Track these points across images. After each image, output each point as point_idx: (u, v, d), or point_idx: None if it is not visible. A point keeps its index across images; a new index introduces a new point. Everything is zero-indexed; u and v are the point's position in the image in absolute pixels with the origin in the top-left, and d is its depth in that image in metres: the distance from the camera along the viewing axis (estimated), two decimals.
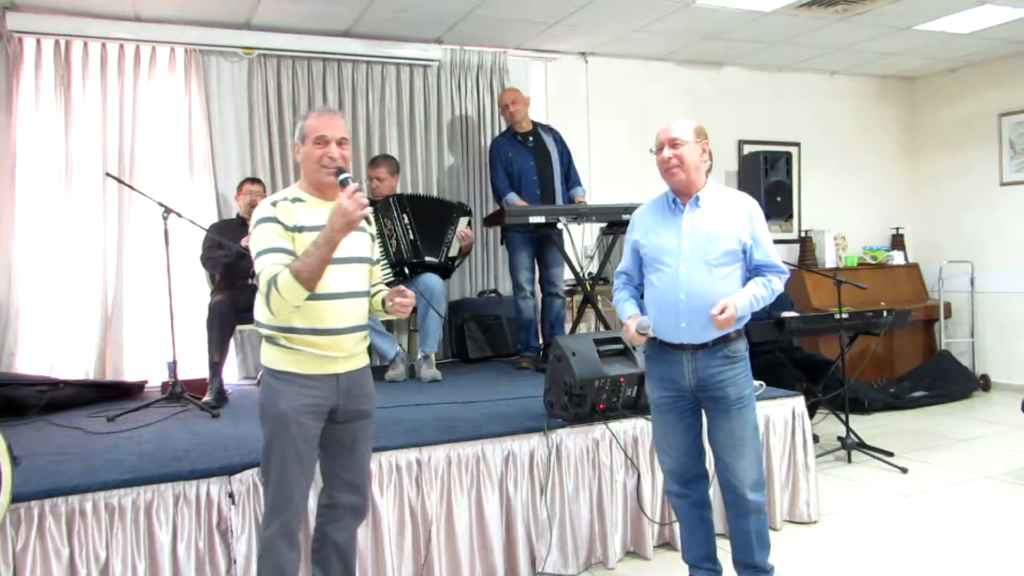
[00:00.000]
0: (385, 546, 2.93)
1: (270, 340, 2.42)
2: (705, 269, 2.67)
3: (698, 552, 2.93)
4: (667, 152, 2.73)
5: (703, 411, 2.82)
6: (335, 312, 2.39)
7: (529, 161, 5.01)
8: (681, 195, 2.76)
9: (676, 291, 2.68)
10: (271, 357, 2.42)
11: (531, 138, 5.08)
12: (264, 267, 2.31)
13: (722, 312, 2.59)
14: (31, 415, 3.88)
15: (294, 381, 2.38)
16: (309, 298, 2.32)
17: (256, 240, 2.37)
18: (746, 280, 2.74)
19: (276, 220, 2.35)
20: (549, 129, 5.22)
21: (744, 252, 2.72)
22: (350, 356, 2.46)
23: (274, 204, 2.38)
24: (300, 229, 2.36)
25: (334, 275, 2.36)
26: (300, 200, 2.42)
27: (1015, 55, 6.53)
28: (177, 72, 5.03)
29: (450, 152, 5.68)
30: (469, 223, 5.10)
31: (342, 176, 2.36)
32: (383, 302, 2.59)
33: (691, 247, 2.69)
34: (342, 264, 2.39)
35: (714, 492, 3.02)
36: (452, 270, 5.09)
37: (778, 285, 2.73)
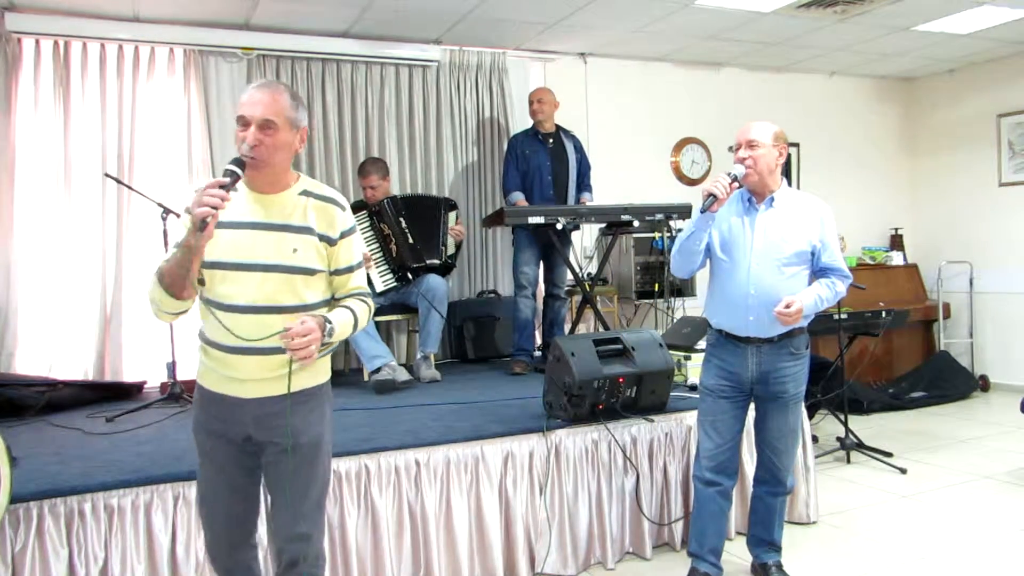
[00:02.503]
0: (384, 547, 2.93)
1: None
2: (775, 267, 2.78)
3: (707, 545, 2.97)
4: (743, 152, 2.79)
5: (753, 405, 2.97)
6: (232, 326, 2.03)
7: (546, 161, 5.04)
8: (756, 195, 2.84)
9: (746, 286, 2.78)
10: (197, 363, 2.19)
11: (551, 139, 5.11)
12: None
13: (788, 307, 2.68)
14: (30, 416, 3.88)
15: (203, 395, 2.15)
16: (207, 304, 2.07)
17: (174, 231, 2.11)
18: (810, 281, 2.85)
19: (189, 211, 2.01)
20: (571, 136, 5.25)
21: (812, 254, 2.83)
22: (261, 380, 2.08)
23: (196, 191, 2.00)
24: (217, 224, 2.02)
25: (231, 283, 2.04)
26: (234, 190, 2.04)
27: (1014, 56, 6.53)
28: (176, 73, 5.02)
29: (449, 153, 5.67)
30: (457, 217, 5.09)
31: (227, 167, 2.00)
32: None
33: (763, 245, 2.79)
34: (241, 271, 2.04)
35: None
36: (452, 267, 5.09)
37: (841, 288, 2.85)
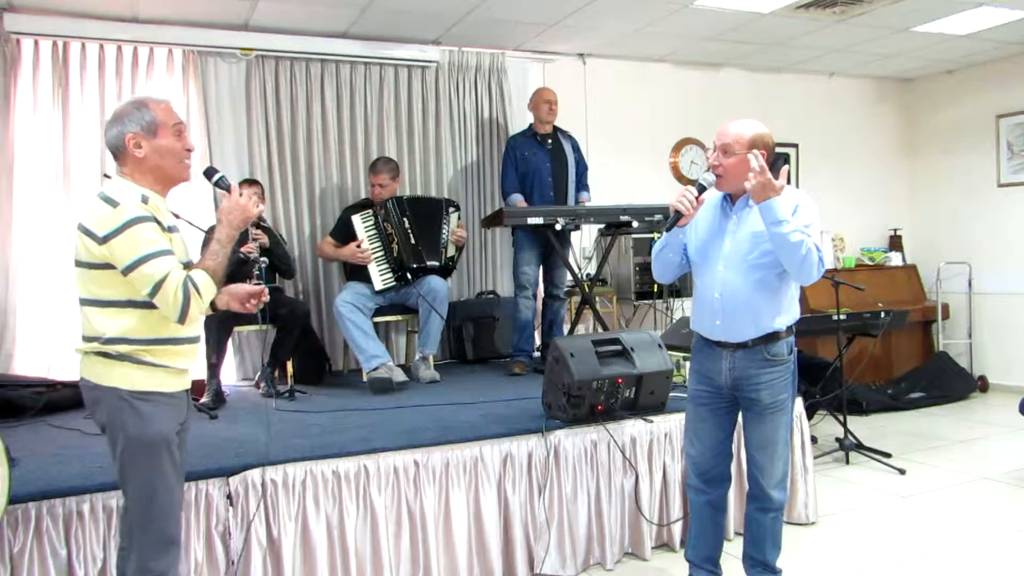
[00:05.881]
0: (383, 547, 2.92)
1: (126, 358, 2.14)
2: (743, 269, 2.64)
3: (702, 552, 2.92)
4: (714, 159, 2.66)
5: (740, 410, 2.79)
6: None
7: (545, 162, 5.02)
8: (732, 196, 2.72)
9: (712, 289, 2.69)
10: (134, 378, 2.12)
11: (550, 140, 5.10)
12: (168, 271, 2.06)
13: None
14: (28, 416, 3.88)
15: (164, 402, 2.15)
16: None
17: (141, 241, 2.06)
18: (785, 281, 2.66)
19: (155, 219, 2.10)
20: (568, 136, 5.23)
21: None
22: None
23: (145, 201, 2.11)
24: (171, 229, 2.19)
25: None
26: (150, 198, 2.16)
27: (1013, 56, 6.53)
28: (175, 73, 5.02)
29: (448, 153, 5.68)
30: (459, 218, 5.10)
31: (218, 176, 2.33)
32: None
33: (732, 247, 2.67)
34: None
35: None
36: (453, 269, 5.09)
37: (815, 255, 2.51)
